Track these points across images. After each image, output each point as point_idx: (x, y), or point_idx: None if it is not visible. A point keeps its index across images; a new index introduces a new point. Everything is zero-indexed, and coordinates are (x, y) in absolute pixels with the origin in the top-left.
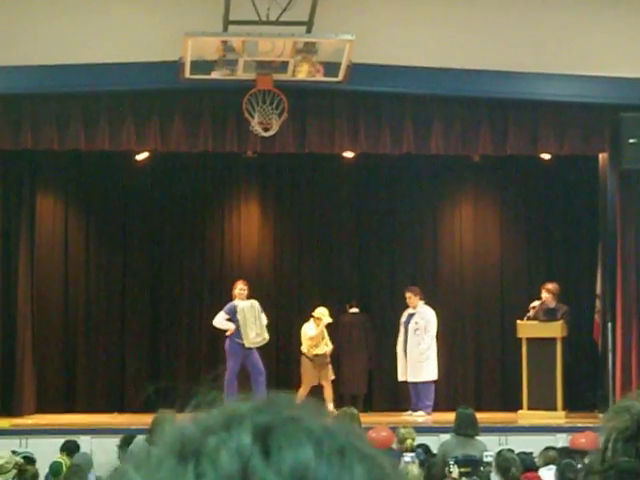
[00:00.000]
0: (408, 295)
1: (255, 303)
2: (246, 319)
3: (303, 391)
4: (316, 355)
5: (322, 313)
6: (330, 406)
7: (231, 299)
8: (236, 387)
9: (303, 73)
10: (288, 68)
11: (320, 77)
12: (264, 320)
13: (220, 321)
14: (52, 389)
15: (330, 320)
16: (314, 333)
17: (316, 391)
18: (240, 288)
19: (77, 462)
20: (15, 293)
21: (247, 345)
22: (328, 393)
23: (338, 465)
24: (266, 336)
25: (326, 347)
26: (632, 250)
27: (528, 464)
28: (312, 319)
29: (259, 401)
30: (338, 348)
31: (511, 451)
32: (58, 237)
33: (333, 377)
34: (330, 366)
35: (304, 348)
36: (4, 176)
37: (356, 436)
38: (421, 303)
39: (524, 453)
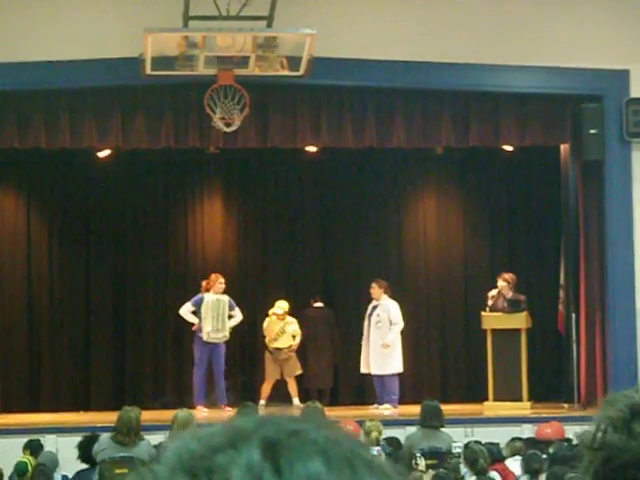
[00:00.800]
0: (373, 286)
1: (223, 298)
2: (207, 313)
3: (266, 385)
4: (276, 349)
5: (279, 306)
6: (295, 400)
7: (196, 294)
8: (204, 383)
9: (266, 68)
10: (249, 63)
11: (282, 72)
12: (238, 317)
13: (185, 312)
14: (17, 388)
15: (279, 311)
16: (265, 325)
17: (281, 386)
18: (219, 281)
19: (43, 461)
20: None
21: (205, 339)
22: (292, 387)
23: (349, 476)
24: (226, 333)
25: (290, 341)
26: (594, 240)
27: (495, 455)
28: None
29: (260, 416)
30: (303, 342)
31: (479, 442)
32: (20, 235)
33: (299, 371)
34: (295, 360)
35: (266, 342)
36: None
37: (359, 445)
38: (385, 296)
39: (491, 444)
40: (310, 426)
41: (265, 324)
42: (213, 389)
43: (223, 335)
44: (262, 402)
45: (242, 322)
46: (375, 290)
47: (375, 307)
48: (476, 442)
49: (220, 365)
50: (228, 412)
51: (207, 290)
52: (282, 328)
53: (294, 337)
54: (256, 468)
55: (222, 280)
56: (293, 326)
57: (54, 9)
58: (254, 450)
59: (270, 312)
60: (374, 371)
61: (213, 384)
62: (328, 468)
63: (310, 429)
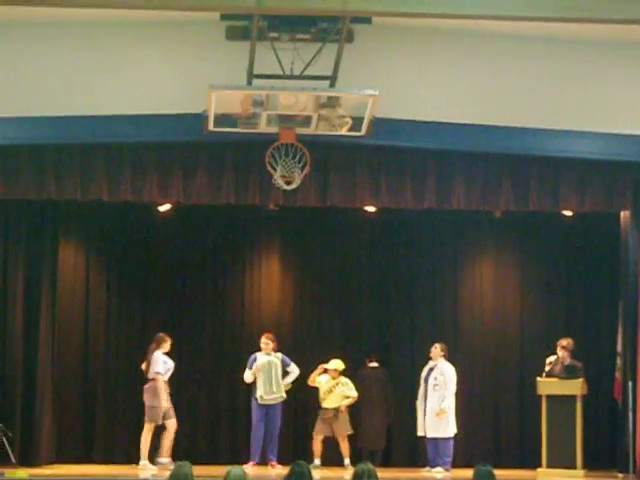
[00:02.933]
0: (435, 346)
1: (275, 359)
2: (260, 373)
3: (315, 443)
4: (324, 409)
5: (332, 364)
6: (347, 461)
7: (251, 351)
8: (259, 441)
9: (328, 128)
10: (311, 122)
11: (344, 132)
12: (294, 372)
13: (247, 377)
14: (71, 439)
15: (331, 367)
16: (319, 384)
17: (335, 445)
18: (263, 342)
19: None
20: (37, 342)
21: (260, 402)
22: (344, 447)
23: None
24: (283, 394)
25: (339, 402)
26: None
27: None
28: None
29: None
30: (357, 402)
31: None
32: (80, 287)
33: (349, 432)
34: (346, 420)
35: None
36: (28, 225)
37: None
38: (442, 359)
39: None
40: None
41: (318, 380)
42: (265, 447)
43: (278, 396)
44: (317, 461)
45: (297, 379)
46: (436, 350)
47: (432, 369)
48: None
49: (275, 424)
50: (278, 469)
51: (260, 350)
52: (331, 388)
53: (347, 397)
54: None
55: (265, 340)
56: (344, 387)
57: (119, 63)
58: None
59: (323, 366)
60: (429, 434)
61: (266, 442)
62: None
63: None
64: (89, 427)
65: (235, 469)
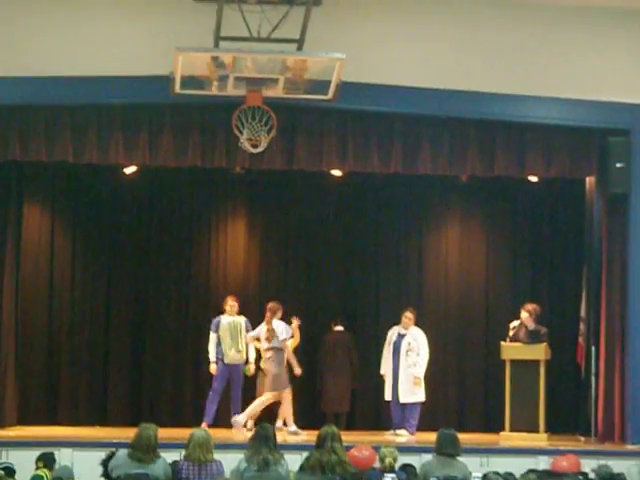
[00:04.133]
0: (407, 315)
1: (240, 320)
2: (225, 336)
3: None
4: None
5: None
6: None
7: (217, 314)
8: (216, 404)
9: (294, 91)
10: (278, 85)
11: (311, 95)
12: (252, 337)
13: (210, 350)
14: (34, 401)
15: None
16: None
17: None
18: (230, 304)
19: (59, 475)
20: (0, 305)
21: (227, 362)
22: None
23: None
24: (245, 355)
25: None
26: (617, 273)
27: None
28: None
29: None
30: (321, 365)
31: (497, 474)
32: (44, 249)
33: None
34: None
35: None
36: None
37: None
38: (413, 325)
39: (509, 474)
40: None
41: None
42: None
43: (241, 357)
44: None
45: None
46: (409, 319)
47: (403, 335)
48: (495, 473)
49: (239, 384)
50: (244, 432)
51: (222, 312)
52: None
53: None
54: None
55: (232, 302)
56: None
57: (86, 23)
58: None
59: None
60: (402, 399)
61: (232, 403)
62: None
63: None
64: (53, 389)
65: (199, 431)
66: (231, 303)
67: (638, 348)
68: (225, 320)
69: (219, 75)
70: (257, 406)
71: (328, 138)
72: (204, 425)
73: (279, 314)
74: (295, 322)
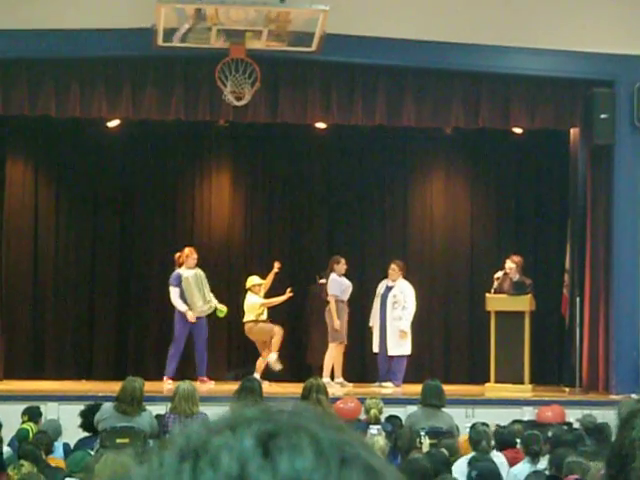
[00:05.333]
0: (393, 267)
1: (200, 272)
2: (192, 288)
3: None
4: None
5: (252, 281)
6: (273, 355)
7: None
8: (179, 357)
9: (278, 43)
10: (261, 37)
11: (294, 47)
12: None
13: (177, 302)
14: (20, 355)
15: (249, 284)
16: (261, 300)
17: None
18: (192, 257)
19: (45, 429)
20: None
21: (196, 315)
22: (275, 343)
23: (335, 475)
24: (213, 304)
25: (255, 311)
26: (601, 225)
27: (507, 439)
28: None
29: (267, 407)
30: (306, 319)
31: (485, 424)
32: (28, 203)
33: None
34: (264, 327)
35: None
36: None
37: (367, 450)
38: (400, 278)
39: (502, 427)
40: (317, 425)
41: (252, 300)
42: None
43: (209, 307)
44: (256, 375)
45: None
46: (394, 271)
47: (390, 288)
48: (483, 424)
49: (204, 338)
50: (210, 385)
51: (180, 265)
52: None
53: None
54: (245, 454)
55: (194, 255)
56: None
57: None
58: (250, 437)
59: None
60: (390, 352)
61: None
62: (317, 465)
63: (316, 427)
64: (39, 343)
65: (184, 384)
66: (194, 255)
67: (622, 299)
68: (187, 273)
69: (202, 27)
70: (329, 361)
71: (312, 90)
72: (166, 379)
73: (336, 268)
74: (276, 266)
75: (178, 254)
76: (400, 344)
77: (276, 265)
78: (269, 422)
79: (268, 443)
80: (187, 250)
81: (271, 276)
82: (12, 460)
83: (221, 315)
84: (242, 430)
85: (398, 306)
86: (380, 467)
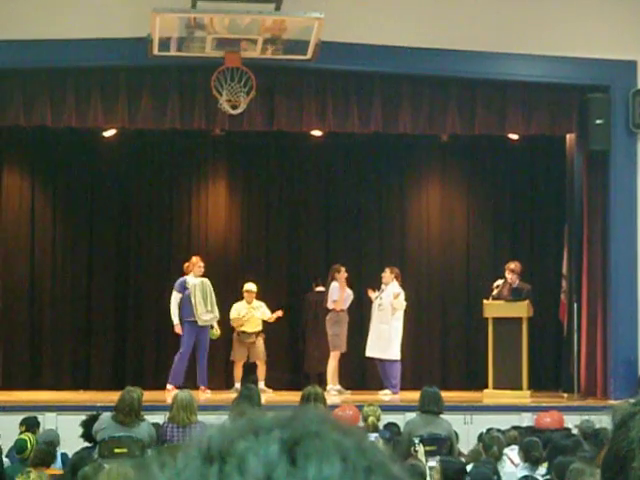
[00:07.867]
0: (385, 271)
1: (206, 281)
2: (197, 297)
3: (236, 369)
4: (244, 333)
5: (247, 288)
6: (261, 384)
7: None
8: (186, 365)
9: (273, 51)
10: (256, 46)
11: (290, 55)
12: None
13: (173, 311)
14: (17, 365)
15: (245, 289)
16: (241, 313)
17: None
18: (199, 265)
19: (46, 439)
20: None
21: (200, 324)
22: (260, 371)
23: None
24: (216, 314)
25: (258, 326)
26: (598, 231)
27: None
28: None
29: (287, 414)
30: (304, 326)
31: (500, 431)
32: (24, 213)
33: (264, 357)
34: (262, 345)
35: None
36: None
37: (387, 457)
38: (395, 283)
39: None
40: (337, 431)
41: (234, 307)
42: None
43: (213, 316)
44: (237, 385)
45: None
46: (386, 275)
47: (382, 292)
48: (498, 430)
49: (205, 348)
50: (208, 394)
51: (187, 273)
52: (249, 312)
53: (257, 323)
54: (272, 459)
55: (201, 263)
56: (261, 310)
57: None
58: (275, 442)
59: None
60: (368, 353)
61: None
62: (344, 473)
63: (337, 434)
64: (36, 353)
65: (182, 393)
66: (200, 264)
67: (619, 304)
68: (193, 281)
69: (197, 36)
70: (332, 369)
71: (308, 98)
72: (171, 388)
73: (337, 276)
74: (278, 314)
75: (187, 264)
76: (382, 347)
77: (279, 313)
78: (289, 428)
79: (294, 449)
80: (194, 259)
81: (273, 318)
82: (18, 469)
83: (213, 337)
84: (265, 435)
85: (383, 309)
86: (402, 475)
